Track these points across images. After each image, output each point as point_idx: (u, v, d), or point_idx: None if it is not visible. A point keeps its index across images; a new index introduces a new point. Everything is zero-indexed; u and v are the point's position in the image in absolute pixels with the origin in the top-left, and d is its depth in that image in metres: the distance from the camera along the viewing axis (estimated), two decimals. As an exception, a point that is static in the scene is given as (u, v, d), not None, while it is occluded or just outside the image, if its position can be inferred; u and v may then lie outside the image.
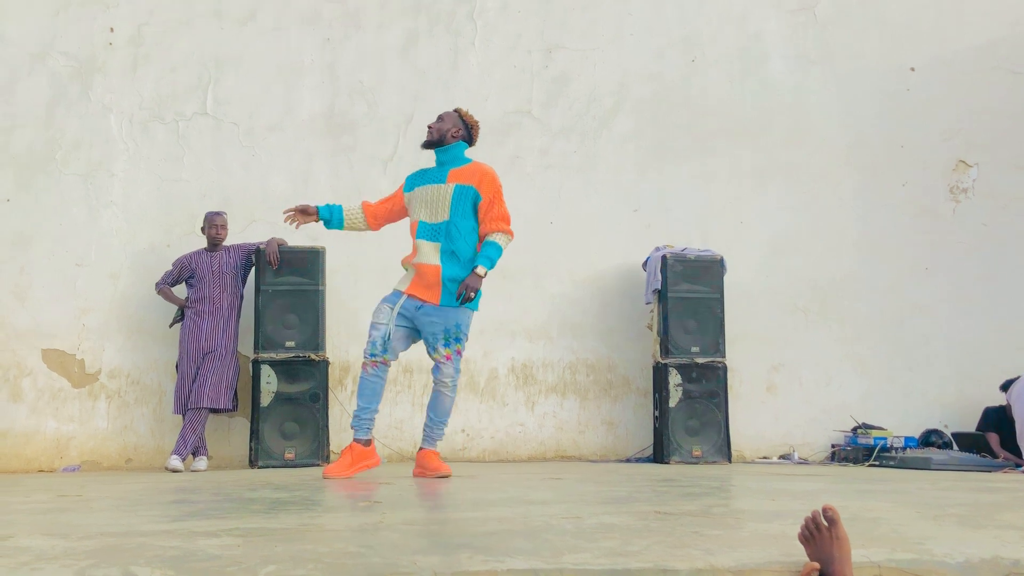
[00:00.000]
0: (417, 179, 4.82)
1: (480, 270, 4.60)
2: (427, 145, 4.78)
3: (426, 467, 4.75)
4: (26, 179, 6.48)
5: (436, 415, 4.77)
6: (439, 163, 4.78)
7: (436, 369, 4.72)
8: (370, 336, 4.64)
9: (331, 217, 4.90)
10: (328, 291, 6.31)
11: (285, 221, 4.93)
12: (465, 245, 4.66)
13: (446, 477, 4.70)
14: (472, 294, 4.59)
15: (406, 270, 4.80)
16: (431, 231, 4.66)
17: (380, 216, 4.96)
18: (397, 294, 4.70)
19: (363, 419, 4.64)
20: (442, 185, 4.68)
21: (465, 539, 2.35)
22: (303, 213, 4.86)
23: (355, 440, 4.65)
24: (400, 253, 6.78)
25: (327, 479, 4.50)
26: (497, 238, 4.67)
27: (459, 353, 4.70)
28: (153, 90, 6.70)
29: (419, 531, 2.52)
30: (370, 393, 4.62)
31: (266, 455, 5.97)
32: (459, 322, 4.67)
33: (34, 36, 6.60)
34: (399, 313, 4.66)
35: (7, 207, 6.44)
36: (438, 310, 4.64)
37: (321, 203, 4.93)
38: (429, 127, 4.80)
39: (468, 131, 4.80)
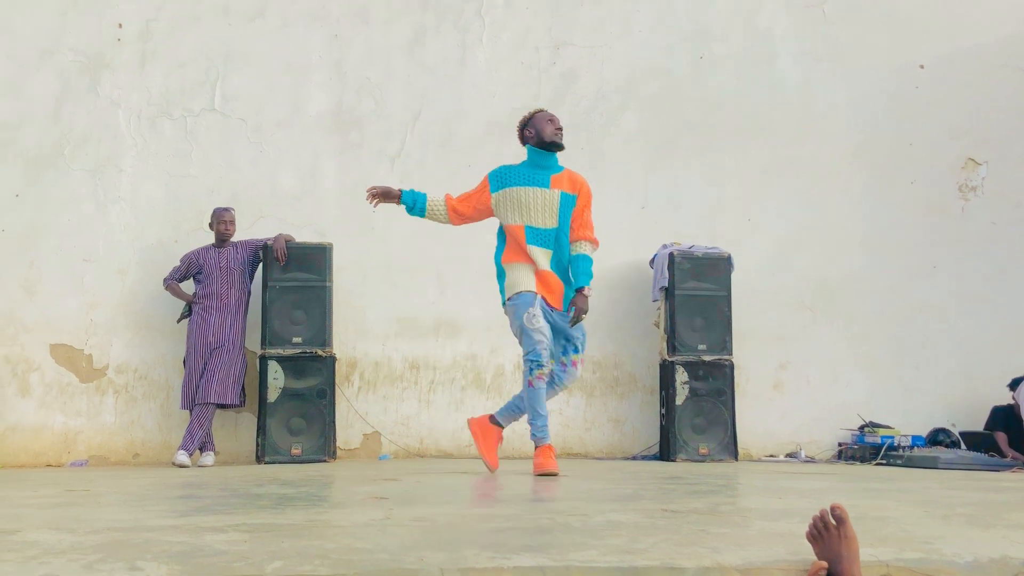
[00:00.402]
0: (507, 179, 4.71)
1: (586, 291, 4.59)
2: (557, 147, 4.68)
3: (486, 439, 4.79)
4: (35, 174, 6.50)
5: (526, 402, 4.67)
6: (539, 166, 4.69)
7: (565, 373, 4.70)
8: (535, 346, 4.49)
9: (413, 204, 4.76)
10: (335, 287, 6.32)
11: (367, 199, 4.75)
12: (566, 254, 4.70)
13: (492, 471, 4.75)
14: (584, 316, 4.57)
15: (506, 268, 4.68)
16: (541, 237, 4.64)
17: (465, 215, 4.82)
18: (532, 295, 4.58)
19: (546, 426, 4.60)
20: (547, 191, 4.65)
21: (472, 536, 2.35)
22: (385, 195, 4.73)
23: (548, 445, 4.61)
24: (405, 250, 6.82)
25: (542, 474, 4.46)
26: (586, 248, 4.68)
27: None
28: (161, 86, 6.71)
29: (426, 527, 2.52)
30: (543, 401, 4.57)
31: (273, 451, 5.98)
32: (586, 308, 4.63)
33: (43, 32, 6.62)
34: (543, 311, 4.60)
35: (16, 202, 6.45)
36: (565, 317, 4.66)
37: (396, 188, 4.74)
38: (557, 127, 4.70)
39: None
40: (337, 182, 6.80)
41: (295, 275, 6.18)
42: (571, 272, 4.70)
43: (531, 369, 4.51)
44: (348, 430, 6.53)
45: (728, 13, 7.36)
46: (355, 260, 6.68)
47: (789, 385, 7.06)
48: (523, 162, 4.79)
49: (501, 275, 4.77)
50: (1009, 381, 6.68)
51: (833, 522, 2.04)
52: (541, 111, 4.82)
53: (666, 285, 6.55)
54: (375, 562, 1.97)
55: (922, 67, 7.49)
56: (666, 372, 6.52)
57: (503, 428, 4.85)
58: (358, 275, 6.69)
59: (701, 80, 7.28)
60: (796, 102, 7.34)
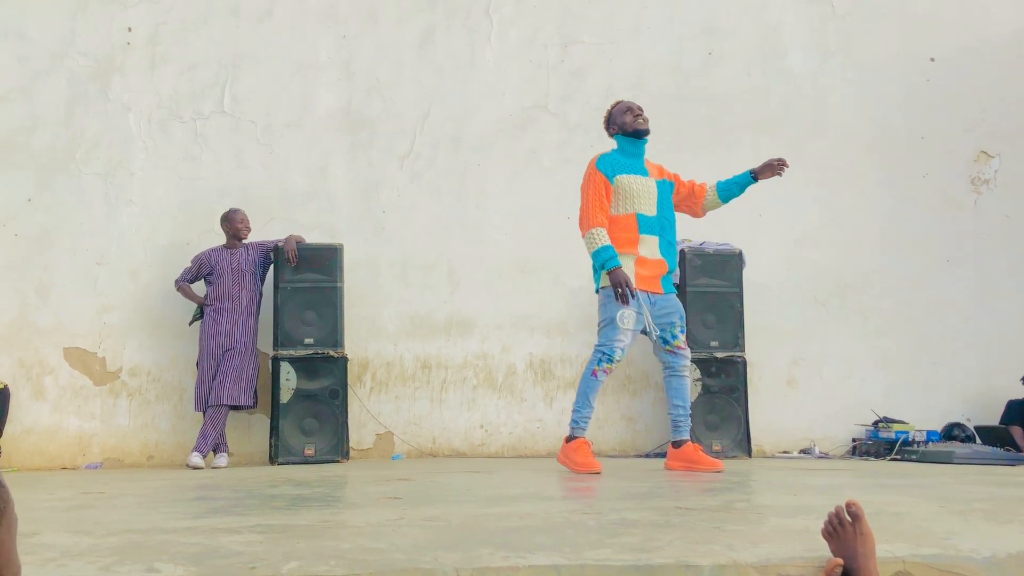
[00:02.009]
0: (616, 167, 4.77)
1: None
2: (644, 134, 4.83)
3: (696, 461, 4.69)
4: (47, 178, 6.53)
5: (685, 402, 4.79)
6: (635, 155, 4.82)
7: (675, 357, 4.75)
8: (619, 341, 4.60)
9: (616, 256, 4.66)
10: (346, 288, 6.32)
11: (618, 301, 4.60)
12: (675, 235, 4.88)
13: (720, 472, 4.60)
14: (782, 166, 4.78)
15: (609, 258, 4.62)
16: (650, 224, 4.75)
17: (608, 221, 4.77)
18: (631, 295, 4.59)
19: (587, 420, 4.71)
20: (647, 179, 4.79)
21: (486, 535, 2.34)
22: (627, 285, 4.58)
23: (584, 439, 4.70)
24: (416, 250, 6.83)
25: (581, 471, 4.57)
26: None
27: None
28: (171, 89, 6.73)
29: (440, 527, 2.52)
30: (596, 395, 4.69)
31: (286, 451, 6.00)
32: (683, 309, 4.82)
33: (53, 36, 6.64)
34: (641, 313, 4.68)
35: (29, 206, 6.49)
36: (666, 299, 4.76)
37: (613, 269, 4.65)
38: (640, 115, 4.83)
39: None
40: (347, 182, 6.81)
41: (306, 276, 6.19)
42: (732, 184, 4.92)
43: (599, 360, 4.62)
44: (361, 430, 6.54)
45: (737, 9, 7.34)
46: (366, 260, 6.69)
47: (802, 381, 7.03)
48: (615, 151, 4.87)
49: (600, 259, 4.65)
50: (1022, 375, 6.65)
51: (848, 519, 2.04)
52: (619, 103, 4.93)
53: (677, 282, 6.53)
54: (390, 562, 1.97)
55: (933, 60, 7.45)
56: (678, 369, 6.50)
57: (689, 440, 4.82)
58: (369, 275, 6.70)
59: (711, 76, 7.25)
60: (807, 97, 7.31)
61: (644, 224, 4.72)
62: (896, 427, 6.36)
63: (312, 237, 6.45)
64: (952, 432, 6.60)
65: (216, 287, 6.15)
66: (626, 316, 4.60)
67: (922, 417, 6.75)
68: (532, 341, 6.82)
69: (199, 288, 6.31)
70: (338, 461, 6.01)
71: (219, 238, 6.36)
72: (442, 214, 6.86)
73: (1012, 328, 7.18)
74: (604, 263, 4.62)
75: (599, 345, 4.67)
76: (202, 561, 2.00)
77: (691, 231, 6.93)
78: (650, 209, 4.75)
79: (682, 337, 4.78)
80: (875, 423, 6.62)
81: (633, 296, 4.58)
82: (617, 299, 4.58)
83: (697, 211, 5.04)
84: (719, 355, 6.45)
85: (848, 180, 7.25)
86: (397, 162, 6.88)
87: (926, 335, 7.16)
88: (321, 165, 6.81)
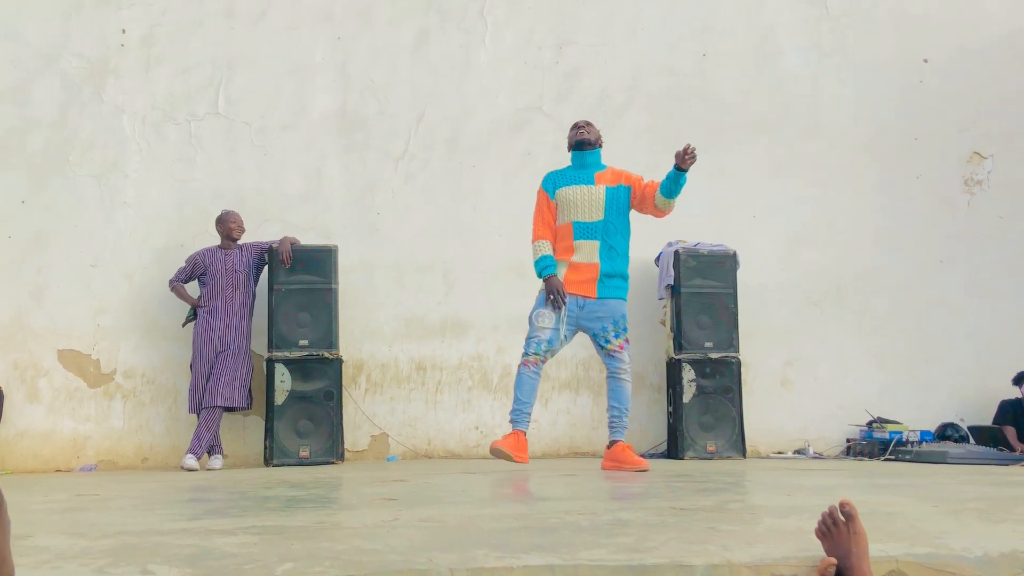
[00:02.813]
0: (559, 181, 5.05)
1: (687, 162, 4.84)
2: (579, 145, 5.06)
3: (623, 461, 4.88)
4: (41, 180, 6.52)
5: (620, 404, 4.98)
6: (581, 166, 5.06)
7: (611, 360, 4.95)
8: (535, 336, 4.87)
9: (553, 265, 4.99)
10: (341, 289, 6.32)
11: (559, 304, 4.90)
12: (623, 240, 5.01)
13: (644, 471, 4.75)
14: (692, 156, 4.82)
15: (557, 265, 4.98)
16: (587, 230, 4.95)
17: (554, 235, 5.07)
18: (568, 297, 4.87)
19: (524, 412, 4.91)
20: (592, 187, 4.99)
21: (481, 536, 2.35)
22: (559, 292, 4.91)
23: (520, 431, 4.89)
24: (411, 251, 6.83)
25: (495, 449, 4.82)
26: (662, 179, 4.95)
27: (628, 342, 4.98)
28: (165, 91, 6.72)
29: (435, 528, 2.52)
30: (529, 389, 4.90)
31: (281, 453, 5.99)
32: (623, 313, 4.98)
33: (47, 38, 6.63)
34: (567, 316, 4.90)
35: (22, 208, 6.47)
36: (600, 304, 4.92)
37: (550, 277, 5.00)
38: (580, 128, 5.08)
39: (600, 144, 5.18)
40: (342, 184, 6.81)
41: (301, 277, 6.19)
42: (667, 180, 4.93)
43: (523, 354, 4.94)
44: (355, 432, 6.54)
45: (731, 10, 7.35)
46: (361, 262, 6.68)
47: (797, 382, 7.05)
48: (567, 166, 5.18)
49: (537, 268, 5.05)
50: (1014, 376, 6.67)
51: (842, 518, 2.04)
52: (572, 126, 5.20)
53: (672, 283, 6.55)
54: (385, 563, 1.97)
55: (927, 61, 7.48)
56: (673, 370, 6.52)
57: (620, 441, 4.96)
58: (364, 277, 6.70)
59: (706, 77, 7.27)
60: (801, 98, 7.33)
61: (580, 230, 4.95)
62: (890, 427, 6.38)
63: (307, 239, 6.44)
64: (946, 432, 6.61)
65: (210, 288, 6.15)
66: (541, 315, 4.90)
67: (916, 417, 6.77)
68: (527, 342, 6.81)
69: (193, 289, 6.30)
70: (333, 463, 6.01)
71: (213, 240, 6.35)
72: (437, 215, 6.87)
73: (1006, 328, 7.21)
74: (540, 272, 4.99)
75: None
76: (197, 563, 2.00)
77: (686, 232, 6.95)
78: (590, 216, 4.95)
79: (617, 341, 4.93)
80: (869, 423, 6.64)
81: (564, 303, 4.87)
82: (548, 304, 4.90)
83: (652, 211, 5.13)
84: (713, 356, 6.46)
85: (842, 180, 7.27)
86: (392, 163, 6.89)
87: (920, 335, 7.18)
88: (316, 167, 6.81)
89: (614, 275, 4.96)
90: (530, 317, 4.98)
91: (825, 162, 7.27)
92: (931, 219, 7.31)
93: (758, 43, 7.35)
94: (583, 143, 5.05)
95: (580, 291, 4.93)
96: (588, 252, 4.94)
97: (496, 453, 4.86)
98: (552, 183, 5.08)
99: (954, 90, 7.45)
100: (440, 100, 6.98)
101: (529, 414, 4.94)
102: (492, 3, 7.10)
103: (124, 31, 6.73)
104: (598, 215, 4.95)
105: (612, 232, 4.97)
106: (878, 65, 7.41)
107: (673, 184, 4.94)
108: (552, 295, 4.88)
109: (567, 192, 5.00)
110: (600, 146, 5.14)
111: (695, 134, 7.16)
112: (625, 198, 5.03)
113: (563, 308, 4.89)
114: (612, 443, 4.99)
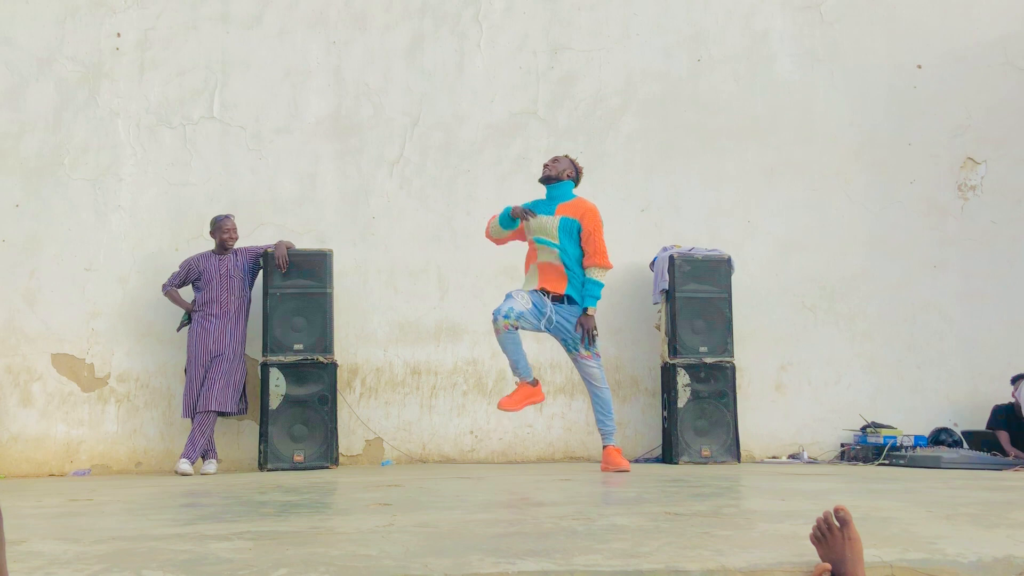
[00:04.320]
0: (532, 209, 5.37)
1: (590, 311, 5.18)
2: (544, 180, 5.37)
3: (609, 462, 5.26)
4: (35, 184, 6.50)
5: (601, 410, 5.31)
6: (549, 197, 5.36)
7: (583, 369, 5.28)
8: (504, 305, 5.06)
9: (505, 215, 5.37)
10: (336, 294, 6.32)
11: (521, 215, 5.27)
12: (576, 266, 5.25)
13: (625, 472, 5.15)
14: (590, 335, 5.16)
15: (526, 273, 5.41)
16: (547, 243, 5.26)
17: (504, 240, 5.56)
18: (529, 290, 5.24)
19: (522, 365, 5.19)
20: (551, 217, 5.28)
21: (476, 541, 2.35)
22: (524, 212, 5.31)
23: (524, 382, 5.21)
24: (405, 256, 6.83)
25: (501, 409, 5.19)
26: (594, 273, 5.23)
27: (598, 355, 5.28)
28: (160, 94, 6.72)
29: (430, 533, 2.52)
30: (513, 345, 5.12)
31: (275, 458, 5.98)
32: (592, 326, 5.22)
33: (41, 42, 6.63)
34: (531, 295, 5.17)
35: (16, 212, 6.46)
36: (569, 308, 5.21)
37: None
38: (545, 165, 5.39)
39: (577, 174, 5.44)
40: (337, 188, 6.81)
41: (295, 282, 6.19)
42: (580, 294, 5.22)
43: (493, 322, 5.12)
44: (350, 436, 6.54)
45: (725, 15, 7.37)
46: (355, 266, 6.68)
47: (791, 386, 7.06)
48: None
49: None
50: (1013, 376, 6.70)
51: (837, 524, 2.05)
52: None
53: (667, 288, 6.56)
54: (380, 569, 1.97)
55: (920, 67, 7.50)
56: (667, 375, 6.52)
57: (610, 445, 5.34)
58: (358, 281, 6.70)
59: (700, 82, 7.28)
60: (795, 103, 7.35)
61: (539, 241, 5.31)
62: (884, 432, 6.39)
63: (301, 243, 6.44)
64: (940, 437, 6.63)
65: (204, 293, 6.14)
66: (513, 294, 5.16)
67: (909, 421, 6.79)
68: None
69: (187, 294, 6.29)
70: (327, 467, 6.00)
71: (208, 244, 6.35)
72: (431, 220, 6.87)
73: (998, 333, 7.23)
74: (501, 216, 5.43)
75: None
76: (191, 568, 2.00)
77: (681, 237, 6.96)
78: (549, 237, 5.26)
79: (584, 352, 5.22)
80: (863, 428, 6.65)
81: (532, 213, 5.27)
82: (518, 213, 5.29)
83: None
84: (708, 360, 6.46)
85: (836, 186, 7.29)
86: (386, 168, 6.89)
87: (913, 340, 7.20)
88: (310, 171, 6.81)
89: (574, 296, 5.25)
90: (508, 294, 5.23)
91: (819, 167, 7.29)
92: (924, 224, 7.34)
93: (751, 48, 7.37)
94: (544, 179, 5.36)
95: (552, 287, 5.21)
96: (549, 255, 5.25)
97: (506, 407, 5.17)
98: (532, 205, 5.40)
99: (947, 96, 7.48)
100: (434, 105, 6.98)
101: (527, 364, 5.22)
102: (487, 8, 7.11)
103: (119, 35, 6.72)
104: (555, 241, 5.25)
105: (565, 259, 5.24)
106: (871, 70, 7.43)
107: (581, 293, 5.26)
108: (520, 210, 5.25)
109: (534, 220, 5.32)
110: (570, 177, 5.37)
111: (688, 139, 7.20)
112: (577, 231, 5.26)
113: (530, 218, 5.23)
114: (604, 446, 5.38)
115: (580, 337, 5.15)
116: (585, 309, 5.17)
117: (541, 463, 6.61)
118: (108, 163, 6.60)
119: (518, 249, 7.10)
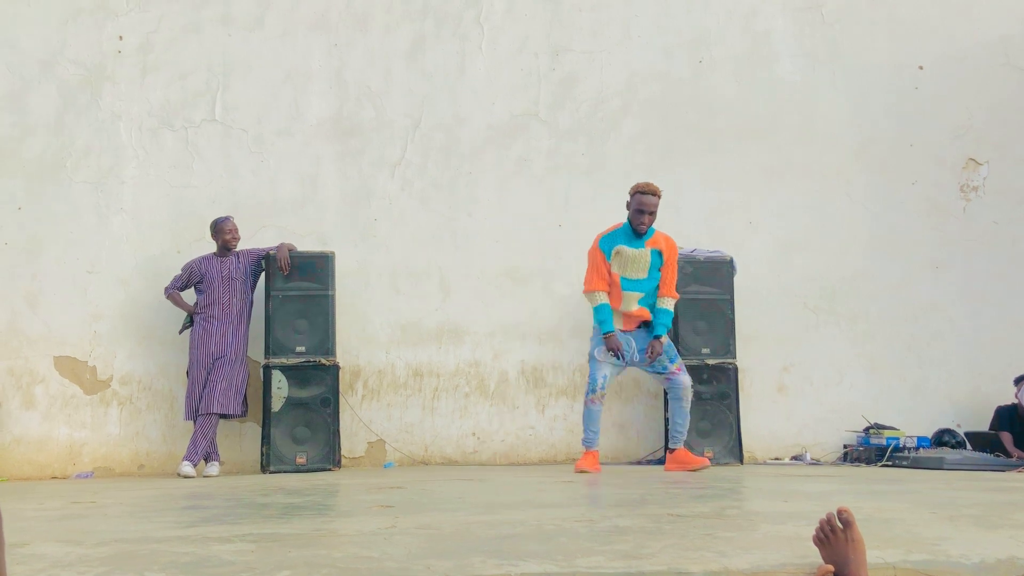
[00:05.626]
0: (614, 243, 5.57)
1: (663, 339, 5.54)
2: (640, 235, 5.56)
3: (687, 462, 5.53)
4: (37, 187, 6.51)
5: (684, 419, 5.62)
6: (637, 235, 5.57)
7: (674, 383, 5.59)
8: (599, 373, 5.50)
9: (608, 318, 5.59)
10: (338, 296, 6.32)
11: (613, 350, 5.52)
12: (650, 294, 5.61)
13: (706, 468, 5.52)
14: (658, 356, 5.52)
15: (601, 308, 5.59)
16: (632, 284, 5.54)
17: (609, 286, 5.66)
18: (620, 334, 5.55)
19: (595, 439, 5.56)
20: (642, 250, 5.56)
21: (478, 543, 2.35)
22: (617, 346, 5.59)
23: (592, 451, 5.53)
24: (407, 258, 6.83)
25: (579, 472, 5.38)
26: (668, 303, 5.61)
27: (683, 365, 5.67)
28: (162, 97, 6.72)
29: (432, 535, 2.52)
30: (597, 419, 5.55)
31: (278, 460, 5.98)
32: (670, 342, 5.64)
33: (43, 45, 6.63)
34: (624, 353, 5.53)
35: (19, 215, 6.47)
36: (636, 333, 5.59)
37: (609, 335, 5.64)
38: (644, 222, 5.52)
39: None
40: (338, 190, 6.81)
41: (297, 284, 6.19)
42: (654, 320, 5.57)
43: (587, 392, 5.56)
44: (352, 438, 6.54)
45: (726, 16, 7.37)
46: (357, 268, 6.68)
47: (793, 387, 7.05)
48: (620, 229, 5.62)
49: (598, 312, 5.59)
50: (1016, 376, 6.69)
51: (840, 525, 2.04)
52: (640, 190, 5.53)
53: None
54: (382, 571, 1.97)
55: (921, 68, 7.50)
56: (670, 376, 6.51)
57: (681, 448, 5.67)
58: (360, 283, 6.70)
59: (701, 83, 7.28)
60: (796, 104, 7.35)
61: (624, 284, 5.56)
62: (887, 433, 6.38)
63: (303, 245, 6.44)
64: (942, 438, 6.62)
65: (206, 295, 6.14)
66: (603, 351, 5.52)
67: (911, 421, 6.78)
68: (524, 348, 6.82)
69: (189, 296, 6.29)
70: (330, 469, 6.00)
71: (210, 246, 6.35)
72: (433, 222, 6.87)
73: (1000, 334, 7.21)
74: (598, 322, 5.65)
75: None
76: (193, 571, 2.00)
77: (683, 238, 6.94)
78: (635, 274, 5.55)
79: (672, 366, 5.58)
80: (866, 429, 6.64)
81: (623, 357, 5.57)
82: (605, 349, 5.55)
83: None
84: (710, 362, 6.46)
85: (837, 187, 7.28)
86: (388, 170, 6.89)
87: (915, 341, 7.19)
88: (312, 173, 6.81)
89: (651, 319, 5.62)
90: (591, 353, 5.57)
91: (820, 168, 7.28)
92: (925, 225, 7.33)
93: (752, 49, 7.36)
94: (640, 234, 5.57)
95: (630, 328, 5.59)
96: (631, 302, 5.55)
97: (580, 471, 5.42)
98: (607, 247, 5.58)
99: (948, 96, 7.47)
100: (436, 106, 6.99)
101: (598, 438, 5.59)
102: (488, 10, 7.11)
103: (121, 38, 6.73)
104: (643, 274, 5.56)
105: (650, 290, 5.60)
106: (872, 71, 7.43)
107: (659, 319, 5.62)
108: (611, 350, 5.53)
109: (621, 252, 5.53)
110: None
111: (689, 140, 7.20)
112: (661, 262, 5.59)
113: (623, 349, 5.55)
114: (672, 449, 5.66)
115: (654, 357, 5.48)
116: (659, 336, 5.52)
117: (543, 465, 6.60)
118: (110, 166, 6.61)
119: (518, 249, 7.11)
